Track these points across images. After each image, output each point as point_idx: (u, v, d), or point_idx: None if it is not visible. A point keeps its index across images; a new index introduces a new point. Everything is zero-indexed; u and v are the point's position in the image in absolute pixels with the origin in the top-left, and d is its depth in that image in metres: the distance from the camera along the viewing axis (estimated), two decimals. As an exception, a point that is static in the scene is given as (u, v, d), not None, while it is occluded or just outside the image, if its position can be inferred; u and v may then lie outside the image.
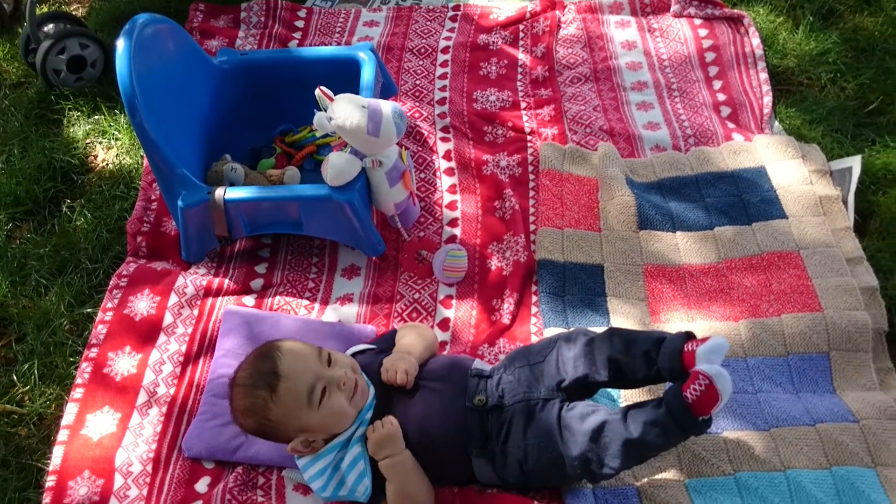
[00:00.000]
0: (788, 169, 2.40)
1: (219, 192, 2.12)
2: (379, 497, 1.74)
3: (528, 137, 2.58)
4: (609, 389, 1.93)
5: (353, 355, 1.93)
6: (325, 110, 2.08)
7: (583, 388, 1.79)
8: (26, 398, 2.05)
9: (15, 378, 2.06)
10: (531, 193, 2.43)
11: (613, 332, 1.79)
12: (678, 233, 2.30)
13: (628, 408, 1.69)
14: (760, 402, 1.93)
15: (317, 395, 1.66)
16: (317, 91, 2.08)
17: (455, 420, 1.76)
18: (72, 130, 2.69)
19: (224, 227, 2.17)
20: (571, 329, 1.88)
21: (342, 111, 2.04)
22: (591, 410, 1.71)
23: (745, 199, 2.36)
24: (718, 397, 1.58)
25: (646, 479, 1.80)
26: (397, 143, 2.20)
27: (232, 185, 2.26)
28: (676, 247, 2.28)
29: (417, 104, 2.68)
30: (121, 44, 2.04)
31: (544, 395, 1.76)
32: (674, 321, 2.10)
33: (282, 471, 1.86)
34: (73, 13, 3.17)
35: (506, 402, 1.77)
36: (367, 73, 2.34)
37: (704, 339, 1.67)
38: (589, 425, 1.67)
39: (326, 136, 2.38)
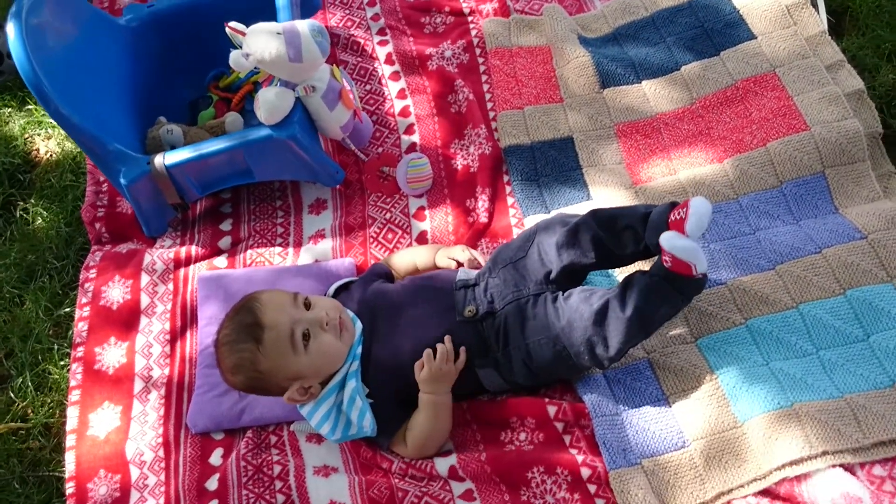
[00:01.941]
0: (748, -17, 2.22)
1: (158, 160, 2.01)
2: (388, 429, 1.70)
3: (469, 18, 2.41)
4: (605, 270, 1.85)
5: (337, 291, 1.86)
6: (241, 47, 1.93)
7: (573, 275, 1.71)
8: (29, 411, 2.02)
9: (12, 394, 2.03)
10: (484, 79, 2.28)
11: (596, 212, 1.69)
12: (644, 82, 2.15)
13: (624, 284, 1.61)
14: (760, 240, 1.83)
15: (298, 340, 1.61)
16: (226, 28, 1.93)
17: (449, 337, 1.69)
18: (6, 129, 2.57)
19: (174, 194, 2.07)
20: (549, 216, 1.78)
21: (257, 44, 1.90)
22: (587, 294, 1.64)
23: (708, 27, 2.20)
24: (689, 265, 1.53)
25: (656, 350, 1.74)
26: (326, 62, 2.06)
27: (173, 147, 2.14)
28: (645, 97, 2.14)
29: (347, 12, 2.51)
30: (11, 29, 1.90)
31: (533, 290, 1.68)
32: (656, 178, 1.99)
33: (290, 425, 1.82)
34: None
35: (496, 306, 1.69)
36: (282, -6, 2.17)
37: (685, 203, 1.58)
38: (588, 309, 1.60)
39: (255, 72, 2.23)
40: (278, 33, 1.90)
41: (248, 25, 2.00)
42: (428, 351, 1.66)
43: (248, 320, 1.61)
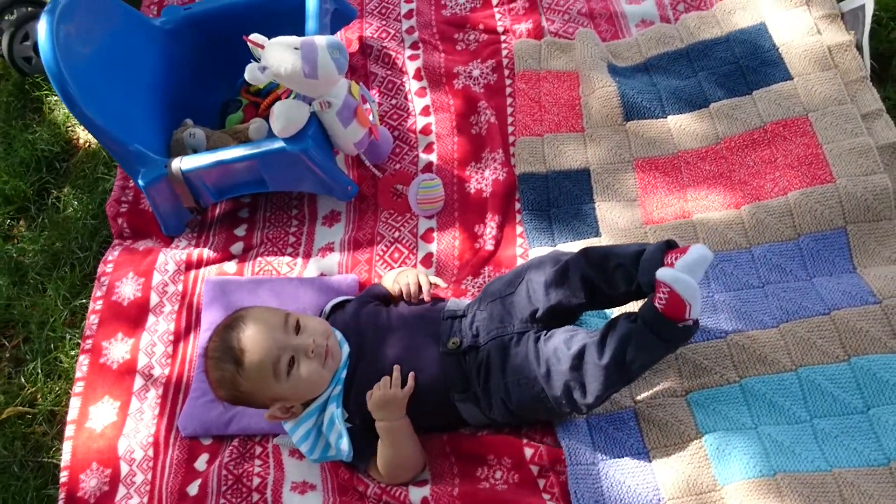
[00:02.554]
0: (792, 20, 2.12)
1: (175, 164, 2.05)
2: (365, 454, 1.70)
3: (502, 38, 2.38)
4: (601, 310, 1.80)
5: (333, 308, 1.87)
6: (259, 60, 1.95)
7: (561, 315, 1.67)
8: (38, 397, 2.09)
9: (23, 379, 2.11)
10: (509, 101, 2.25)
11: (587, 251, 1.65)
12: (670, 117, 2.09)
13: (605, 329, 1.57)
14: (768, 295, 1.75)
15: (283, 367, 1.61)
16: (246, 41, 1.95)
17: (432, 366, 1.68)
18: (51, 116, 2.66)
19: (190, 198, 2.10)
20: (544, 253, 1.74)
21: (274, 58, 1.91)
22: (569, 336, 1.60)
23: (744, 64, 2.11)
24: (684, 304, 1.46)
25: (643, 399, 1.69)
26: (349, 76, 2.06)
27: (195, 151, 2.18)
28: (669, 132, 2.07)
29: (384, 22, 2.51)
30: (42, 28, 1.95)
31: (518, 328, 1.65)
32: (668, 219, 1.93)
33: (274, 438, 1.84)
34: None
35: (480, 340, 1.67)
36: (312, 2, 2.18)
37: (683, 249, 1.52)
38: (567, 353, 1.56)
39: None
40: (296, 48, 1.91)
41: (282, 29, 2.03)
42: (384, 378, 1.66)
43: (230, 342, 1.62)
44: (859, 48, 2.04)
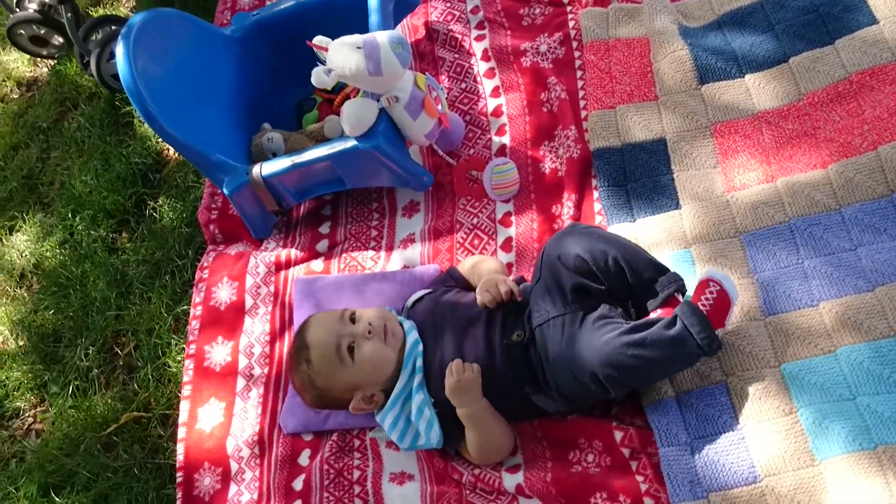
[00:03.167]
0: (876, -43, 1.99)
1: (255, 171, 2.11)
2: (454, 435, 1.74)
3: (569, 9, 2.33)
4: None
5: (414, 303, 1.90)
6: (325, 63, 1.98)
7: (586, 293, 1.65)
8: (151, 401, 2.22)
9: (136, 385, 2.24)
10: (579, 74, 2.21)
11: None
12: (747, 76, 2.01)
13: (640, 326, 1.55)
14: (861, 258, 1.68)
15: (344, 352, 1.72)
16: (310, 45, 1.98)
17: (502, 358, 1.70)
18: (142, 130, 2.78)
19: (273, 202, 2.17)
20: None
21: (338, 59, 1.94)
22: (602, 324, 1.59)
23: (823, 12, 2.01)
24: (730, 303, 1.49)
25: (735, 372, 1.65)
26: (415, 68, 2.06)
27: (274, 155, 2.24)
28: (747, 92, 1.99)
29: (448, 5, 2.49)
30: (119, 51, 2.04)
31: (554, 312, 1.65)
32: (751, 185, 1.86)
33: (371, 431, 1.90)
34: (121, 11, 3.22)
35: (534, 327, 1.68)
36: (374, -5, 2.19)
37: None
38: (600, 346, 1.55)
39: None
40: (358, 47, 1.93)
41: (347, 24, 2.05)
42: (452, 365, 1.68)
43: (299, 343, 1.77)
44: (952, -18, 1.90)
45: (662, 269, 1.63)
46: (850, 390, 1.54)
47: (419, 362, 1.74)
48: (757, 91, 1.98)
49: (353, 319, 1.76)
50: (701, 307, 1.48)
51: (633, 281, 1.61)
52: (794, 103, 1.93)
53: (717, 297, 1.46)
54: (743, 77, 2.01)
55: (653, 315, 1.60)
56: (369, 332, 1.73)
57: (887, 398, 1.51)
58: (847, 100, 1.87)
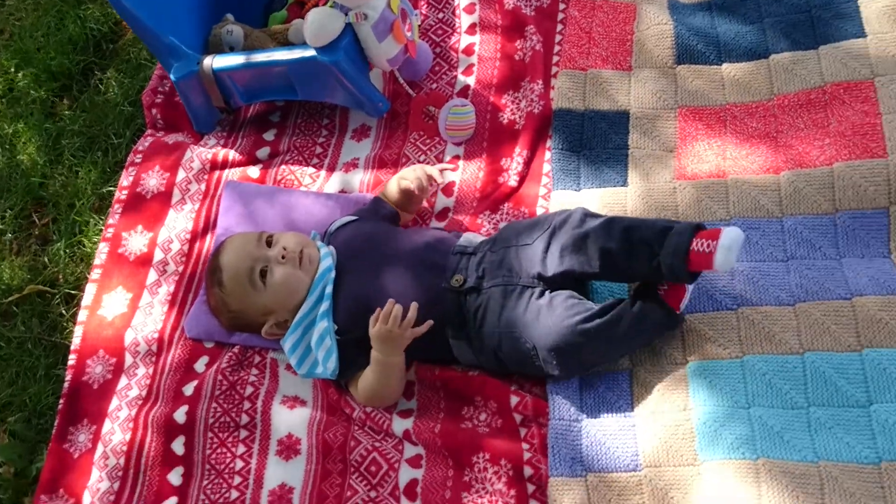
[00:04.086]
0: (880, -33, 1.92)
1: (207, 62, 2.02)
2: (349, 369, 1.70)
3: (564, -43, 2.23)
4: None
5: (337, 229, 1.84)
6: (295, -38, 1.87)
7: (571, 280, 1.61)
8: (59, 277, 2.15)
9: (47, 259, 2.17)
10: (559, 28, 2.13)
11: (612, 221, 1.58)
12: (725, 64, 1.95)
13: (612, 310, 1.54)
14: (790, 270, 1.66)
15: (256, 276, 1.70)
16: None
17: (430, 299, 1.65)
18: (104, -5, 2.65)
19: (220, 98, 2.08)
20: (571, 209, 1.65)
21: (309, -38, 1.83)
22: (573, 303, 1.56)
23: (815, 14, 1.94)
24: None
25: (643, 364, 1.63)
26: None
27: (231, 49, 2.14)
28: (721, 81, 1.94)
29: (441, -72, 2.38)
30: None
31: (524, 281, 1.61)
32: (701, 176, 1.81)
33: (272, 352, 1.86)
34: None
35: (484, 284, 1.63)
36: None
37: (714, 232, 1.47)
38: (567, 322, 1.53)
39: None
40: (333, -46, 1.83)
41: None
42: (392, 306, 1.60)
43: (213, 265, 1.76)
44: (948, 9, 1.85)
45: (657, 248, 1.52)
46: (747, 399, 1.53)
47: (328, 289, 1.69)
48: (730, 82, 1.92)
49: (269, 243, 1.73)
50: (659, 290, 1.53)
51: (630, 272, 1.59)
52: (763, 102, 1.88)
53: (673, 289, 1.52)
54: (720, 65, 1.95)
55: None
56: (283, 258, 1.69)
57: (780, 413, 1.50)
58: (816, 109, 1.82)
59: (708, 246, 1.46)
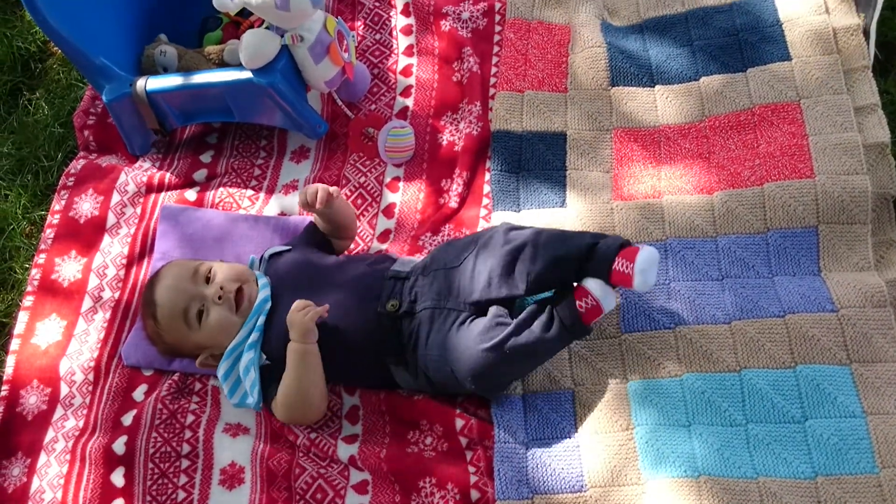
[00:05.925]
0: (801, -6, 2.00)
1: (140, 83, 1.98)
2: (271, 390, 1.68)
3: (499, -21, 2.26)
4: None
5: (271, 256, 1.83)
6: (230, -16, 1.85)
7: (499, 302, 1.63)
8: (-12, 306, 2.09)
9: (-25, 287, 2.10)
10: (495, 50, 2.15)
11: (539, 239, 1.59)
12: (657, 87, 1.99)
13: (518, 327, 1.57)
14: (725, 289, 1.70)
15: (192, 317, 1.69)
16: (218, -37, 1.85)
17: (366, 325, 1.66)
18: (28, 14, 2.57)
19: (154, 120, 2.04)
20: (495, 226, 1.68)
21: (245, -16, 1.82)
22: (491, 325, 1.57)
23: (742, 38, 2.00)
24: (601, 313, 1.56)
25: (585, 384, 1.66)
26: (329, 7, 1.96)
27: (165, 70, 2.10)
28: (654, 104, 1.98)
29: (379, -51, 2.38)
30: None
31: (451, 304, 1.63)
32: (637, 197, 1.85)
33: (212, 379, 1.83)
34: None
35: (417, 307, 1.64)
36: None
37: (632, 252, 1.53)
38: (481, 347, 1.54)
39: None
40: (269, -24, 1.81)
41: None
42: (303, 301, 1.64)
43: (148, 298, 1.73)
44: (866, 34, 1.92)
45: (586, 258, 1.57)
46: (687, 417, 1.57)
47: (261, 321, 1.68)
48: (663, 104, 1.97)
49: (208, 279, 1.71)
50: (580, 309, 1.55)
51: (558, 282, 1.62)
52: (695, 123, 1.93)
53: (592, 307, 1.54)
54: (653, 87, 1.99)
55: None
56: (219, 298, 1.67)
57: (720, 431, 1.55)
58: (746, 130, 1.88)
59: (626, 267, 1.52)
